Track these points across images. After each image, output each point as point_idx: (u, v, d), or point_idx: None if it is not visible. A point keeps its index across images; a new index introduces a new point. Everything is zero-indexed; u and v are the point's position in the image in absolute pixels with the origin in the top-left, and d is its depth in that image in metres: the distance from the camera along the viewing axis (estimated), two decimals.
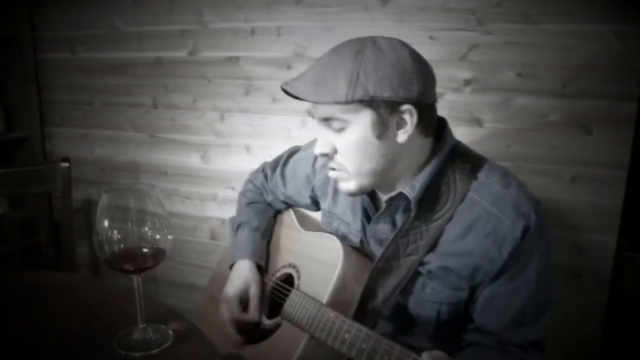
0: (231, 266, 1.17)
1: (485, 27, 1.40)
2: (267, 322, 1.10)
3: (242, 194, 1.31)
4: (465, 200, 0.89)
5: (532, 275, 0.88)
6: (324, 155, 0.90)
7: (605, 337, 1.43)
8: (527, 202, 0.87)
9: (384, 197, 0.96)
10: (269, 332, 1.07)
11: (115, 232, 0.74)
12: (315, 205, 1.20)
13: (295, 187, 1.20)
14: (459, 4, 1.41)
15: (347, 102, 0.82)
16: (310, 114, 0.91)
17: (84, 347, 0.80)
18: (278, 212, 1.29)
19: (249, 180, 1.32)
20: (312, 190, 1.17)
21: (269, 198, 1.27)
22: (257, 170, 1.32)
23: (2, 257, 1.62)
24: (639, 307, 1.40)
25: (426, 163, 0.91)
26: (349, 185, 0.91)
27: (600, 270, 1.40)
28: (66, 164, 1.57)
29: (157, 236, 0.76)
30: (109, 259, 0.75)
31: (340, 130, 0.87)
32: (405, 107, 0.84)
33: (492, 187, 0.88)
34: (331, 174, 0.93)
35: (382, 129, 0.85)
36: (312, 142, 1.17)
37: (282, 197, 1.25)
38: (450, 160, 0.91)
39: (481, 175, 0.90)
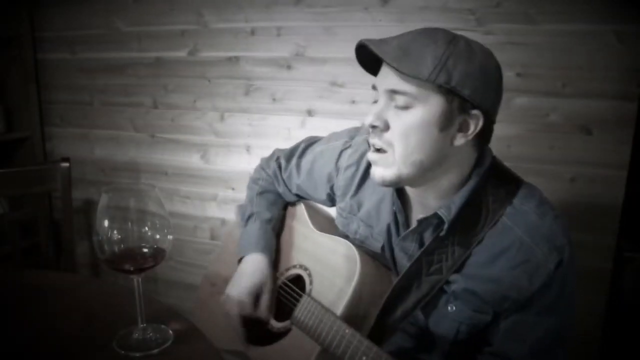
0: (239, 259, 1.12)
1: (485, 27, 1.40)
2: (276, 325, 1.06)
3: (254, 181, 1.25)
4: (497, 225, 0.86)
5: (558, 308, 0.86)
6: (374, 127, 0.84)
7: (605, 337, 1.43)
8: (561, 234, 0.85)
9: (416, 211, 0.93)
10: (276, 335, 1.04)
11: (115, 232, 0.74)
12: (330, 202, 1.14)
13: (312, 181, 1.14)
14: (459, 4, 1.41)
15: (426, 81, 0.78)
16: (373, 86, 0.88)
17: (84, 347, 0.80)
18: (288, 204, 1.24)
19: (261, 168, 1.25)
20: (332, 188, 1.11)
21: (280, 189, 1.22)
22: (269, 158, 1.25)
23: (2, 257, 1.61)
24: (639, 307, 1.40)
25: (465, 181, 0.88)
26: (386, 172, 0.85)
27: (600, 270, 1.40)
28: (66, 164, 1.56)
29: (157, 236, 0.76)
30: (109, 259, 0.75)
31: (404, 108, 0.82)
32: (475, 111, 0.82)
33: (527, 215, 0.85)
34: (372, 156, 0.87)
35: (447, 124, 0.82)
36: (333, 135, 1.14)
37: (295, 190, 1.19)
38: (486, 179, 0.89)
39: (516, 201, 0.87)
